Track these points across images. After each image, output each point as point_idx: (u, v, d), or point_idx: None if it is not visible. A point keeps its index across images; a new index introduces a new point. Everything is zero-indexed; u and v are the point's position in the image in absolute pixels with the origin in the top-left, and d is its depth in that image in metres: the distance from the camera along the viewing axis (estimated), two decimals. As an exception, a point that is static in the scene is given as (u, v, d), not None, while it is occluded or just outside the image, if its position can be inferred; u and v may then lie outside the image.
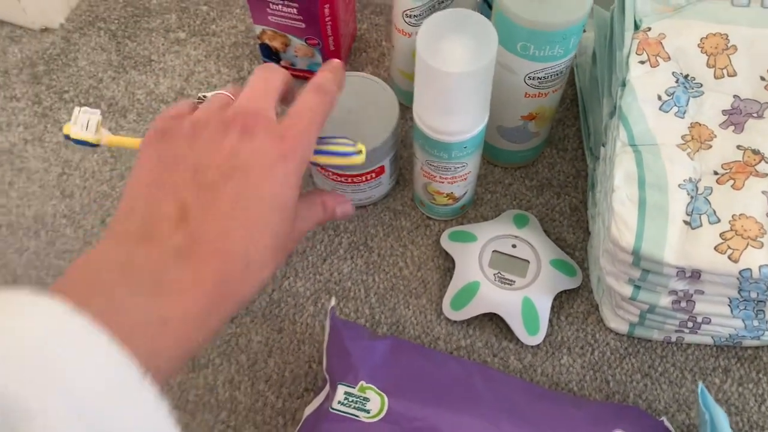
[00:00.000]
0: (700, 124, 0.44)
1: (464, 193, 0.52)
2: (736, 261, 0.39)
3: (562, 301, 0.51)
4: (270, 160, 0.32)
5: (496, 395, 0.43)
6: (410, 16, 0.51)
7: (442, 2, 0.51)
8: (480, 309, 0.49)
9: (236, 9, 0.66)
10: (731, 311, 0.44)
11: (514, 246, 0.50)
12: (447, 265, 0.52)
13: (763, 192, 0.41)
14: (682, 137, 0.43)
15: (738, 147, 0.43)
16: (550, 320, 0.50)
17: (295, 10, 0.54)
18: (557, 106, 0.52)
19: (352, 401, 0.41)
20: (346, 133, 0.48)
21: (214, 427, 0.47)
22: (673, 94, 0.44)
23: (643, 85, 0.44)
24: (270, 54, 0.59)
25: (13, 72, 0.63)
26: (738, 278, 0.40)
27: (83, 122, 0.38)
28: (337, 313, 0.50)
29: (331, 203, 0.40)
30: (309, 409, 0.43)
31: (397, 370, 0.43)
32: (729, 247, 0.40)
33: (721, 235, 0.40)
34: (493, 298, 0.48)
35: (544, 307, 0.49)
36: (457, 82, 0.40)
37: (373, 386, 0.42)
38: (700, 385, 0.41)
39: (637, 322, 0.47)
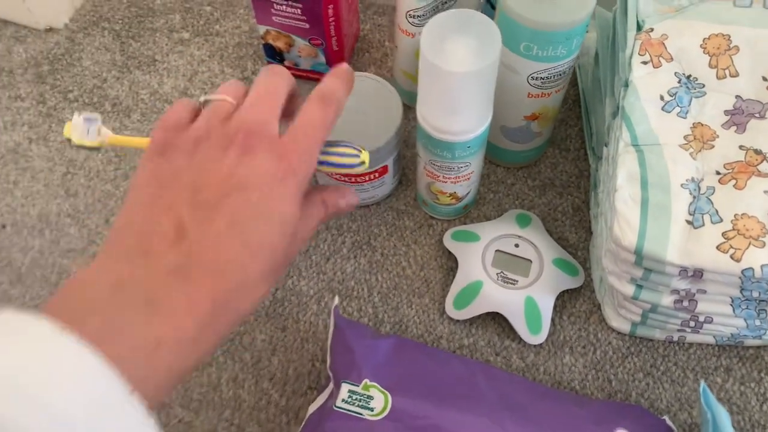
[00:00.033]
0: (702, 125, 0.44)
1: (467, 193, 0.52)
2: (738, 260, 0.40)
3: (564, 300, 0.51)
4: (269, 180, 0.32)
5: (499, 394, 0.43)
6: (414, 16, 0.51)
7: (446, 3, 0.51)
8: (483, 308, 0.49)
9: (240, 9, 0.67)
10: (733, 310, 0.44)
11: (516, 245, 0.51)
12: (450, 265, 0.53)
13: (765, 192, 0.41)
14: (685, 137, 0.44)
15: (740, 147, 0.43)
16: (553, 319, 0.50)
17: (299, 11, 0.54)
18: (560, 107, 0.52)
19: (356, 399, 0.41)
20: (349, 134, 0.49)
21: (218, 424, 0.47)
22: (675, 94, 0.44)
23: (646, 85, 0.45)
24: (274, 54, 0.60)
25: (17, 72, 0.63)
26: (740, 277, 0.40)
27: (84, 128, 0.37)
28: (341, 312, 0.51)
29: (331, 199, 0.39)
30: (313, 407, 0.44)
31: (401, 369, 0.44)
32: (731, 247, 0.40)
33: (723, 234, 0.40)
34: (496, 297, 0.49)
35: (546, 306, 0.49)
36: (461, 82, 0.40)
37: (376, 384, 0.42)
38: (702, 384, 0.41)
39: (639, 321, 0.47)
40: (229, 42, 0.65)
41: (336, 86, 0.37)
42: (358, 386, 0.42)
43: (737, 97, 0.45)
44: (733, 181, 0.42)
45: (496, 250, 0.50)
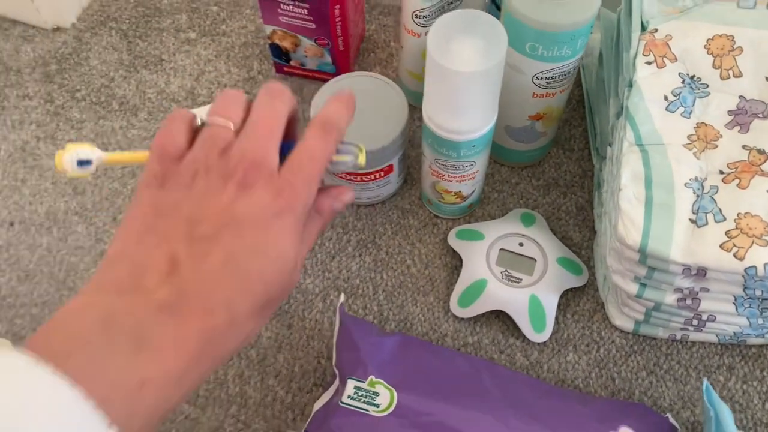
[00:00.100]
0: (706, 124, 0.44)
1: (472, 192, 0.52)
2: (741, 259, 0.40)
3: (568, 298, 0.51)
4: (266, 215, 0.31)
5: (504, 391, 0.44)
6: (420, 16, 0.51)
7: (451, 3, 0.52)
8: (487, 306, 0.49)
9: (246, 9, 0.67)
10: (736, 309, 0.44)
11: (521, 244, 0.51)
12: (454, 263, 0.53)
13: (769, 191, 0.42)
14: (689, 137, 0.44)
15: (743, 147, 0.44)
16: (557, 318, 0.50)
17: (305, 11, 0.55)
18: (564, 107, 0.53)
19: (362, 395, 0.42)
20: (355, 133, 0.49)
21: (225, 421, 0.47)
22: (679, 94, 0.45)
23: (650, 85, 0.45)
24: (280, 54, 0.60)
25: (25, 71, 0.64)
26: (743, 276, 0.40)
27: (73, 163, 0.34)
28: (346, 310, 0.51)
29: (326, 206, 0.37)
30: (318, 404, 0.44)
31: (406, 366, 0.44)
32: (734, 245, 0.40)
33: (726, 233, 0.41)
34: (500, 295, 0.49)
35: (550, 304, 0.49)
36: (467, 82, 0.40)
37: (382, 381, 0.42)
38: (705, 382, 0.41)
39: (642, 319, 0.48)
40: (236, 42, 0.65)
41: (338, 114, 0.35)
42: (364, 382, 0.42)
43: (741, 97, 0.45)
44: (737, 181, 0.42)
45: (500, 249, 0.51)
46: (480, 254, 0.51)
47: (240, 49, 0.65)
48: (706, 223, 0.41)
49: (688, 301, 0.44)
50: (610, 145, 0.49)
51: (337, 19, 0.55)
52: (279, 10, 0.55)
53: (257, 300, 0.30)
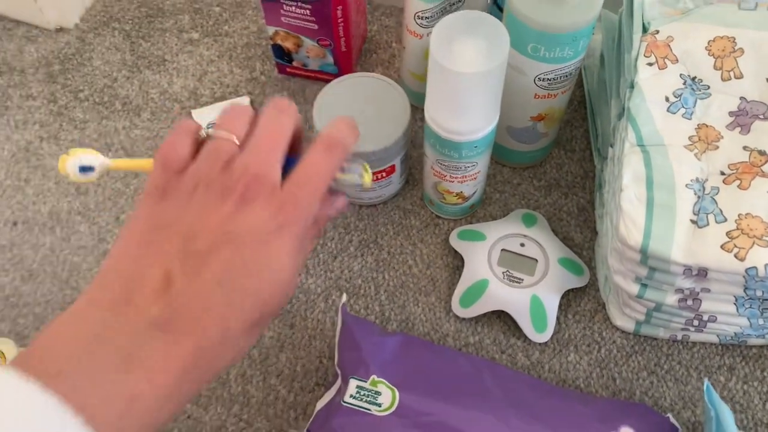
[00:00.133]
0: (707, 126, 0.45)
1: (474, 193, 0.52)
2: (742, 259, 0.40)
3: (569, 299, 0.51)
4: (265, 232, 0.31)
5: (505, 391, 0.44)
6: (422, 17, 0.51)
7: (454, 4, 0.52)
8: (489, 306, 0.49)
9: (248, 10, 0.67)
10: (737, 309, 0.44)
11: (522, 245, 0.51)
12: (456, 264, 0.53)
13: (769, 192, 0.42)
14: (690, 138, 0.44)
15: (744, 148, 0.44)
16: (558, 318, 0.51)
17: (308, 12, 0.55)
18: (566, 108, 0.53)
19: (364, 395, 0.42)
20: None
21: (227, 420, 0.48)
22: (680, 95, 0.45)
23: (651, 86, 0.45)
24: (282, 54, 0.60)
25: (29, 71, 0.64)
26: (744, 276, 0.41)
27: (76, 169, 0.35)
28: (348, 310, 0.51)
29: (321, 214, 0.36)
30: (321, 403, 0.44)
31: (408, 366, 0.44)
32: (735, 246, 0.40)
33: (727, 233, 0.41)
34: (502, 295, 0.49)
35: (551, 305, 0.49)
36: (470, 83, 0.41)
37: (384, 380, 0.42)
38: (706, 382, 0.42)
39: (643, 320, 0.48)
40: (238, 42, 0.65)
41: (344, 133, 0.35)
42: (366, 382, 0.42)
43: (742, 98, 0.45)
44: (738, 182, 0.42)
45: (502, 249, 0.51)
46: (481, 254, 0.51)
47: (242, 50, 0.65)
48: (707, 224, 0.41)
49: (689, 302, 0.44)
50: (611, 146, 0.49)
51: (340, 20, 0.55)
52: (281, 11, 0.56)
53: (251, 318, 0.30)
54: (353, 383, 0.42)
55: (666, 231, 0.41)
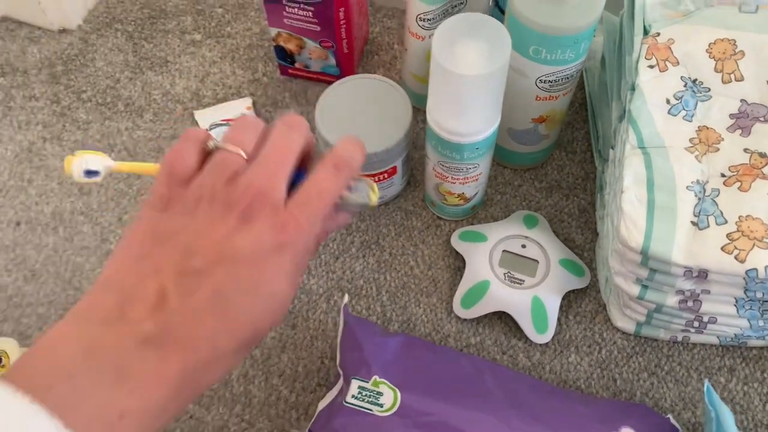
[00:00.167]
0: (707, 128, 0.45)
1: (475, 194, 0.53)
2: (742, 261, 0.40)
3: (570, 300, 0.52)
4: (264, 251, 0.30)
5: (506, 392, 0.44)
6: (424, 19, 0.52)
7: (455, 6, 0.52)
8: (490, 307, 0.50)
9: (251, 12, 0.68)
10: (737, 311, 0.45)
11: (523, 246, 0.51)
12: (457, 265, 0.53)
13: (770, 194, 0.42)
14: (690, 140, 0.44)
15: (745, 150, 0.44)
16: (559, 319, 0.51)
17: (310, 13, 0.55)
18: (567, 109, 0.53)
19: (366, 395, 0.42)
20: (360, 135, 0.49)
21: (229, 420, 0.48)
22: (681, 98, 0.45)
23: (652, 89, 0.45)
24: (285, 56, 0.61)
25: (32, 72, 0.64)
26: (744, 278, 0.41)
27: (81, 171, 0.35)
28: (350, 311, 0.51)
29: (320, 230, 0.36)
30: (322, 404, 0.44)
31: (409, 366, 0.44)
32: (735, 248, 0.41)
33: (727, 235, 0.41)
34: (503, 296, 0.49)
35: (552, 306, 0.49)
36: (472, 85, 0.41)
37: (386, 381, 0.43)
38: (706, 382, 0.42)
39: (644, 321, 0.48)
40: (240, 44, 0.65)
41: (353, 153, 0.34)
42: (367, 382, 0.43)
43: (742, 101, 0.45)
44: (738, 184, 0.43)
45: (503, 251, 0.51)
46: (483, 256, 0.51)
47: (245, 51, 0.65)
48: (708, 226, 0.42)
49: (690, 303, 0.45)
50: (612, 148, 0.50)
51: (342, 22, 0.56)
52: (284, 12, 0.56)
53: (243, 338, 0.30)
54: (355, 383, 0.43)
55: (667, 233, 0.41)
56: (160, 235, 0.31)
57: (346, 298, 0.48)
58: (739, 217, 0.41)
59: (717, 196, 0.42)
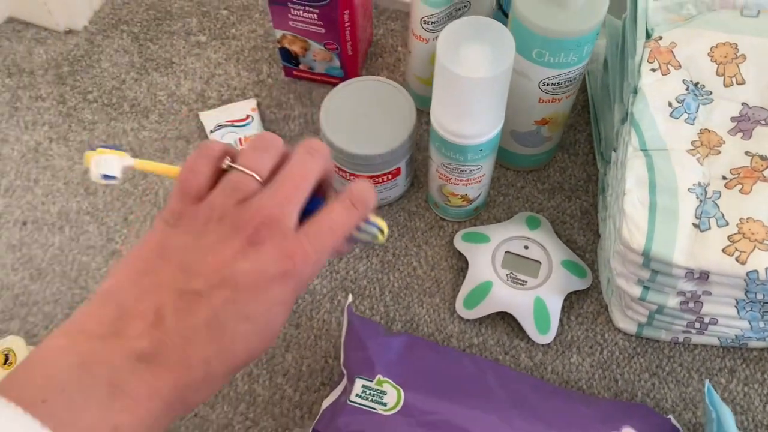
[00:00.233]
0: (709, 131, 0.45)
1: (478, 195, 0.53)
2: (743, 263, 0.41)
3: (572, 301, 0.52)
4: (267, 279, 0.30)
5: (508, 392, 0.44)
6: (428, 22, 0.52)
7: (459, 9, 0.52)
8: (492, 308, 0.50)
9: (255, 14, 0.68)
10: (738, 312, 0.45)
11: (526, 247, 0.52)
12: (460, 265, 0.54)
13: (770, 197, 0.42)
14: (692, 143, 0.45)
15: (746, 153, 0.44)
16: (561, 320, 0.51)
17: (315, 16, 0.55)
18: (569, 112, 0.54)
19: (370, 394, 0.42)
20: (364, 137, 0.50)
21: (234, 418, 0.48)
22: (683, 101, 0.46)
23: (655, 92, 0.46)
24: (289, 58, 0.61)
25: (38, 72, 0.65)
26: (745, 280, 0.41)
27: (98, 175, 0.34)
28: (353, 310, 0.52)
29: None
30: (326, 402, 0.45)
31: (413, 366, 0.45)
32: (736, 250, 0.41)
33: (729, 237, 0.41)
34: (506, 297, 0.50)
35: (554, 307, 0.50)
36: (476, 87, 0.41)
37: (389, 380, 0.43)
38: (707, 383, 0.42)
39: (645, 322, 0.49)
40: (245, 45, 0.66)
41: (369, 194, 0.34)
42: (371, 382, 0.43)
43: (744, 104, 0.46)
44: (739, 186, 0.43)
45: (505, 252, 0.51)
46: (485, 257, 0.51)
47: (249, 53, 0.65)
48: (709, 228, 0.42)
49: (691, 305, 0.45)
50: (614, 150, 0.50)
51: (347, 24, 0.56)
52: (289, 14, 0.56)
53: (235, 363, 0.30)
54: (359, 383, 0.43)
55: (668, 234, 0.42)
56: (166, 250, 0.31)
57: (350, 298, 0.48)
58: (740, 219, 0.42)
59: (718, 198, 0.43)
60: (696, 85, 0.46)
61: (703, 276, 0.42)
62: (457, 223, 0.56)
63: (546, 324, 0.49)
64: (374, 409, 0.42)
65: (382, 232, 0.35)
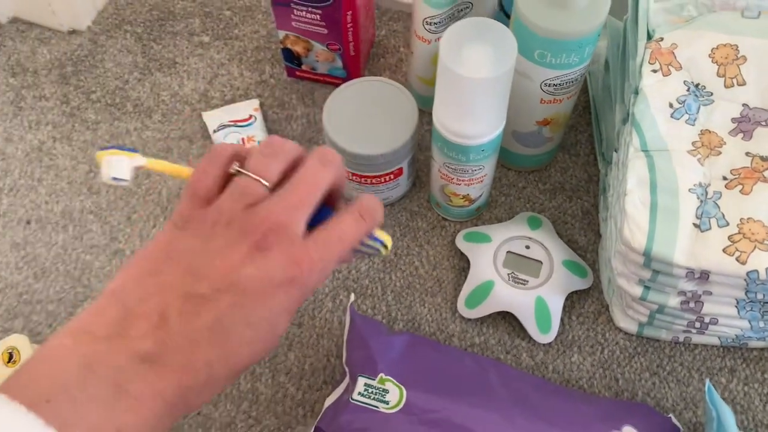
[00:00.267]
0: (710, 131, 0.45)
1: (480, 195, 0.53)
2: (743, 263, 0.41)
3: (573, 301, 0.52)
4: (273, 285, 0.30)
5: (510, 390, 0.45)
6: (430, 23, 0.52)
7: (462, 10, 0.53)
8: (494, 307, 0.50)
9: (258, 14, 0.68)
10: (738, 312, 0.45)
11: (527, 247, 0.52)
12: (462, 265, 0.54)
13: (771, 197, 0.43)
14: (693, 143, 0.45)
15: (746, 154, 0.45)
16: (562, 319, 0.51)
17: (318, 16, 0.56)
18: (571, 112, 0.54)
19: (372, 392, 0.43)
20: (367, 137, 0.50)
21: (236, 417, 0.48)
22: (684, 102, 0.46)
23: (656, 93, 0.46)
24: (292, 58, 0.61)
25: (42, 72, 0.65)
26: (745, 280, 0.41)
27: (114, 167, 0.34)
28: (356, 309, 0.52)
29: None
30: (329, 400, 0.45)
31: (415, 364, 0.45)
32: (737, 250, 0.41)
33: (729, 237, 0.42)
34: (507, 297, 0.50)
35: (556, 306, 0.50)
36: (478, 88, 0.42)
37: (392, 378, 0.43)
38: (708, 382, 0.42)
39: (646, 322, 0.49)
40: (248, 46, 0.66)
41: (378, 208, 0.34)
42: (374, 380, 0.43)
43: (744, 105, 0.46)
44: (740, 187, 0.43)
45: (507, 251, 0.52)
46: (487, 256, 0.52)
47: (252, 53, 0.66)
48: (710, 228, 0.42)
49: (691, 304, 0.45)
50: (615, 151, 0.50)
51: (349, 25, 0.56)
52: (292, 15, 0.56)
53: (238, 367, 0.31)
54: (361, 381, 0.43)
55: (669, 234, 0.42)
56: (173, 253, 0.31)
57: (352, 297, 0.48)
58: (741, 219, 0.42)
59: (719, 198, 0.43)
60: (697, 86, 0.47)
61: (704, 276, 0.42)
62: (458, 223, 0.56)
63: (547, 323, 0.50)
64: (376, 407, 0.42)
65: (385, 246, 0.35)
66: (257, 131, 0.59)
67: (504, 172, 0.59)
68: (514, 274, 0.51)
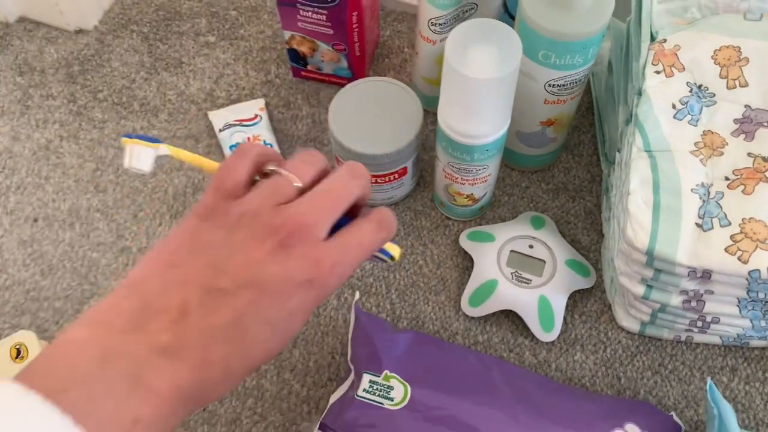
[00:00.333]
0: (712, 132, 0.46)
1: (484, 195, 0.54)
2: (745, 262, 0.41)
3: (576, 300, 0.53)
4: (292, 285, 0.30)
5: (513, 388, 0.45)
6: (435, 24, 0.53)
7: (467, 11, 0.53)
8: (497, 306, 0.51)
9: (264, 15, 0.69)
10: (740, 311, 0.46)
11: (531, 246, 0.52)
12: (465, 264, 0.55)
13: (772, 197, 0.43)
14: (695, 144, 0.45)
15: (749, 154, 0.45)
16: (565, 318, 0.52)
17: (323, 17, 0.56)
18: (574, 113, 0.54)
19: (377, 389, 0.43)
20: (372, 137, 0.51)
21: (242, 413, 0.49)
22: (687, 103, 0.46)
23: (659, 94, 0.46)
24: (297, 58, 0.62)
25: (49, 71, 0.66)
26: (747, 279, 0.42)
27: (136, 156, 0.35)
28: (360, 307, 0.52)
29: None
30: (334, 397, 0.45)
31: (419, 362, 0.45)
32: (739, 249, 0.42)
33: (731, 237, 0.42)
34: (510, 295, 0.50)
35: (559, 305, 0.51)
36: (483, 88, 0.42)
37: (396, 375, 0.44)
38: (709, 380, 0.43)
39: (648, 321, 0.49)
40: (254, 46, 0.67)
41: (393, 220, 0.35)
42: (379, 377, 0.44)
43: (746, 106, 0.46)
44: (742, 187, 0.44)
45: (510, 251, 0.52)
46: (491, 255, 0.52)
47: (258, 53, 0.66)
48: (712, 228, 0.43)
49: (693, 303, 0.46)
50: (618, 151, 0.51)
51: (355, 26, 0.57)
52: (298, 16, 0.57)
53: (254, 364, 0.31)
54: (366, 378, 0.44)
55: (672, 234, 0.42)
56: (195, 245, 0.31)
57: (357, 295, 0.49)
58: (743, 219, 0.43)
59: (721, 198, 0.43)
60: (699, 87, 0.47)
61: (706, 275, 0.43)
62: (462, 222, 0.57)
63: (550, 322, 0.50)
64: (381, 403, 0.43)
65: (392, 258, 0.36)
66: (263, 131, 0.60)
67: (507, 172, 0.59)
68: (518, 273, 0.51)
